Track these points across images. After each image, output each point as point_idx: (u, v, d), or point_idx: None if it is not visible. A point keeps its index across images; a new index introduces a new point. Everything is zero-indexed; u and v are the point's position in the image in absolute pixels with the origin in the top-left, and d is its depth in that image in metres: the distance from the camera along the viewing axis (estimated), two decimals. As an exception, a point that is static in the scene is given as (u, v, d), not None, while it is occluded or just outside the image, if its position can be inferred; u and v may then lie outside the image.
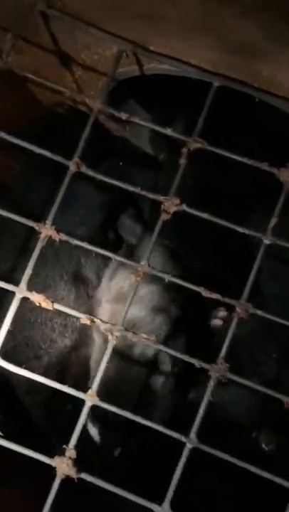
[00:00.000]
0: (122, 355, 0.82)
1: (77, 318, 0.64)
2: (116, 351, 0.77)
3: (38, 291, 0.61)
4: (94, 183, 0.87)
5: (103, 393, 0.60)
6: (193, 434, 0.59)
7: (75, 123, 0.79)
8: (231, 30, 0.59)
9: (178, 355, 0.64)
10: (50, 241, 0.63)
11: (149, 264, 0.61)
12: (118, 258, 0.63)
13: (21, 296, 0.61)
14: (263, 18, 0.56)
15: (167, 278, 0.62)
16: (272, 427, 0.87)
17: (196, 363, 0.62)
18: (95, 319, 0.61)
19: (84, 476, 0.58)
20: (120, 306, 0.85)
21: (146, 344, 0.68)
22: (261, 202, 0.85)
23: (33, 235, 0.64)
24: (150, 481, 0.70)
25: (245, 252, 0.95)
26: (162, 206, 0.63)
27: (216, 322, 0.90)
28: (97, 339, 0.87)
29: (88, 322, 0.61)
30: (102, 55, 0.74)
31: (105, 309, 0.88)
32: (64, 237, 0.62)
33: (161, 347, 0.64)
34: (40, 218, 0.63)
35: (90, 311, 0.87)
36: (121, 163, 0.92)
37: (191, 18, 0.60)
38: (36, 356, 0.86)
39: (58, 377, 0.85)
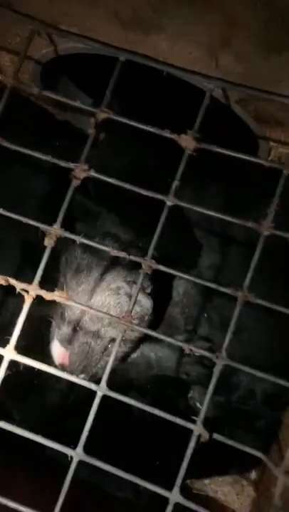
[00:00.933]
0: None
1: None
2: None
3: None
4: (31, 165, 0.90)
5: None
6: (103, 383, 0.62)
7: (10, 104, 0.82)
8: (121, 5, 0.61)
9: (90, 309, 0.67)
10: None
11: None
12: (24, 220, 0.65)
13: None
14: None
15: (78, 239, 0.65)
16: (205, 385, 0.89)
17: (108, 315, 0.66)
18: (10, 280, 0.63)
19: (2, 424, 0.61)
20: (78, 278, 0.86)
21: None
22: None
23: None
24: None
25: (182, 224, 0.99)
26: (72, 173, 0.66)
27: None
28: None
29: (3, 282, 0.63)
30: (23, 37, 0.76)
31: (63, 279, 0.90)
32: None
33: (73, 303, 0.66)
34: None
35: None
36: (57, 143, 0.95)
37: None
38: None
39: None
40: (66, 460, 0.62)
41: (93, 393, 0.61)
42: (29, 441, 0.60)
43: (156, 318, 0.88)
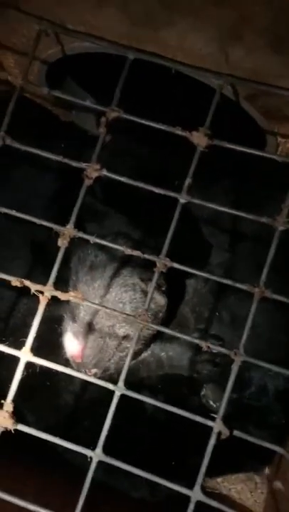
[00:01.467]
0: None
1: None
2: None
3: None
4: (38, 165, 0.89)
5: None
6: (121, 382, 0.61)
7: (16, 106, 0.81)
8: (131, 1, 0.60)
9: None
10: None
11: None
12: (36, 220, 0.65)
13: None
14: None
15: (92, 239, 0.65)
16: (219, 384, 0.89)
17: (125, 314, 0.65)
18: (25, 281, 0.63)
19: (20, 427, 0.61)
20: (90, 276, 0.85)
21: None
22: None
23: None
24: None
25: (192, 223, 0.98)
26: (84, 172, 0.65)
27: None
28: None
29: (18, 284, 0.63)
30: (29, 37, 0.75)
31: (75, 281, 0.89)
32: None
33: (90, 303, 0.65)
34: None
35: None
36: (63, 145, 0.94)
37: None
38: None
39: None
40: (78, 459, 0.61)
41: (107, 394, 0.60)
42: (40, 441, 0.60)
43: (168, 317, 0.88)
